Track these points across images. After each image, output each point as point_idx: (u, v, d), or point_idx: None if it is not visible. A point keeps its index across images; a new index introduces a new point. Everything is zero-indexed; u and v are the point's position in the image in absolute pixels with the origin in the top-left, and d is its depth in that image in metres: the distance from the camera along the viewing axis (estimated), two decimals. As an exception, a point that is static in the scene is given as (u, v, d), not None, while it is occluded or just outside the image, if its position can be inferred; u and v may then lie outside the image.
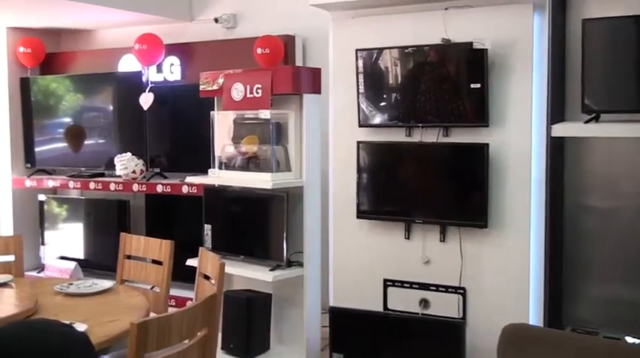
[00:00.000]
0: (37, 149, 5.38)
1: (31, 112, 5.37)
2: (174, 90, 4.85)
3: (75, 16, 4.90)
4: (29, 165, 5.40)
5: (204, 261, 3.04)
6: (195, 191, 4.41)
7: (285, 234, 3.55)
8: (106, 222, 5.15)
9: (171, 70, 4.95)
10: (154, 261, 3.35)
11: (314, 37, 4.50)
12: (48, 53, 5.43)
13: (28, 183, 5.27)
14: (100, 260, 5.07)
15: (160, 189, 4.63)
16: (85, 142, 5.22)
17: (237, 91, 3.68)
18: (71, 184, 5.06)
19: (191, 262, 3.72)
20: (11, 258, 3.49)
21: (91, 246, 5.19)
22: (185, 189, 4.50)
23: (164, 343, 2.01)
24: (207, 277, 3.01)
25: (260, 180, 3.55)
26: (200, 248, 3.31)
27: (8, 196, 5.34)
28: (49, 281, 3.28)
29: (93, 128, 5.21)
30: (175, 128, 4.84)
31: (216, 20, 4.83)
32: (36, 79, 5.39)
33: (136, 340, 1.90)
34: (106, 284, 3.08)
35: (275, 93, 3.53)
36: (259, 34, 4.39)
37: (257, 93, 3.59)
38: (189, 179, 4.04)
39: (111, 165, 4.90)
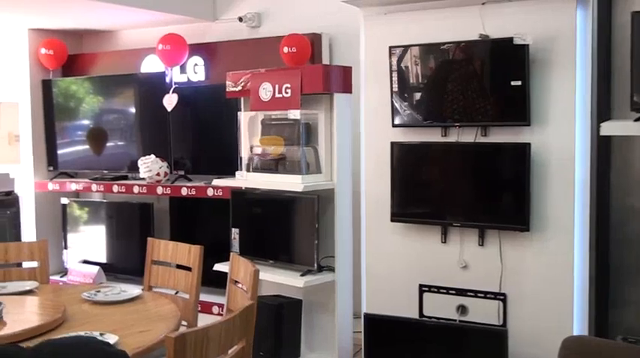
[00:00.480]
0: (59, 151, 5.31)
1: (53, 115, 5.32)
2: (198, 91, 4.76)
3: (97, 16, 4.84)
4: (52, 168, 5.34)
5: (236, 266, 2.93)
6: (221, 194, 4.31)
7: (315, 238, 3.45)
8: (130, 226, 5.08)
9: (195, 71, 4.86)
10: (179, 266, 3.25)
11: (340, 35, 4.39)
12: (70, 55, 5.36)
13: (51, 186, 5.20)
14: (123, 264, 5.01)
15: (184, 191, 4.53)
16: (108, 144, 5.14)
17: (266, 91, 3.58)
18: (94, 187, 4.98)
19: (219, 267, 3.63)
20: (36, 263, 3.42)
21: (114, 249, 5.11)
22: (210, 192, 4.40)
23: (202, 357, 1.90)
24: (235, 282, 2.91)
25: (290, 183, 3.45)
26: (231, 253, 3.20)
27: (31, 199, 5.28)
28: (75, 289, 3.19)
29: (115, 130, 5.14)
30: (199, 129, 4.74)
31: (240, 19, 4.74)
32: (57, 80, 5.32)
33: (173, 354, 1.79)
34: (134, 291, 2.97)
35: (305, 92, 3.43)
36: (284, 32, 4.30)
37: (286, 93, 3.49)
38: (216, 182, 3.94)
39: (133, 168, 4.82)
